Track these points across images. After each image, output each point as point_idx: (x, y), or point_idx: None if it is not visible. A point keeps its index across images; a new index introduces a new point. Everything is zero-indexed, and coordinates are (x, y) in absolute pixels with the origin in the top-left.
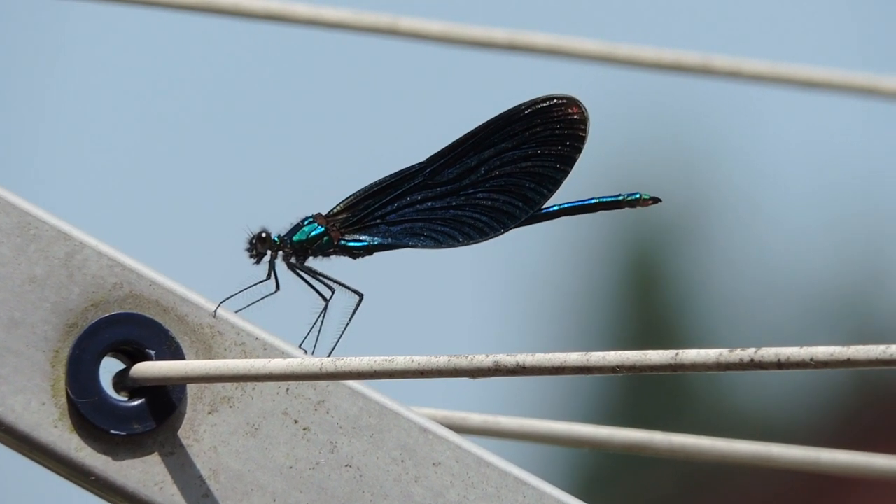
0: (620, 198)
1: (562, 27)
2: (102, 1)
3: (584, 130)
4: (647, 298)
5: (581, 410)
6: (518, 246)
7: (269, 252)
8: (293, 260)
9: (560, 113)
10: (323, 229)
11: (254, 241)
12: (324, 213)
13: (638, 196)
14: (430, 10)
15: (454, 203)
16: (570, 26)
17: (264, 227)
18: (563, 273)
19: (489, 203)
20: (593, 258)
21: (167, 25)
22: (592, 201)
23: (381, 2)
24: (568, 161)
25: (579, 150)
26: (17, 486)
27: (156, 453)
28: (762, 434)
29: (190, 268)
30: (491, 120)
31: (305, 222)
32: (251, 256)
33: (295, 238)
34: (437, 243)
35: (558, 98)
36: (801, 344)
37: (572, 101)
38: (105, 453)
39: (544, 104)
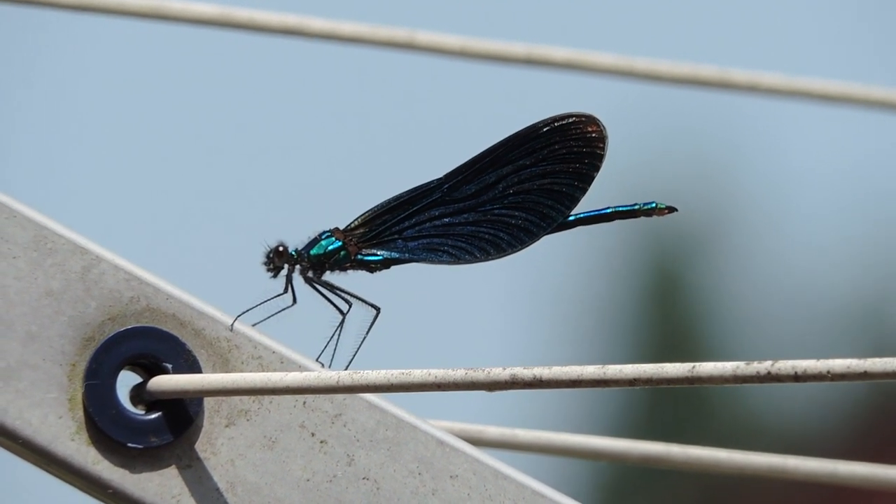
0: (636, 207)
1: (579, 41)
2: (126, 17)
3: (603, 148)
4: (666, 310)
5: (600, 423)
6: (536, 257)
7: (286, 266)
8: (310, 274)
9: (579, 131)
10: (340, 244)
11: (271, 255)
12: (341, 227)
13: (654, 205)
14: (448, 25)
15: (472, 219)
16: (588, 40)
17: (282, 241)
18: (581, 285)
19: (507, 220)
20: (612, 271)
21: (188, 40)
22: (608, 210)
23: (399, 16)
24: (586, 179)
25: (597, 168)
26: (34, 499)
27: (173, 466)
28: (782, 446)
29: (207, 282)
30: (509, 137)
31: (323, 236)
32: (268, 270)
33: (312, 252)
34: (455, 259)
35: (577, 116)
36: (818, 357)
37: (591, 119)
38: (122, 466)
39: (563, 122)
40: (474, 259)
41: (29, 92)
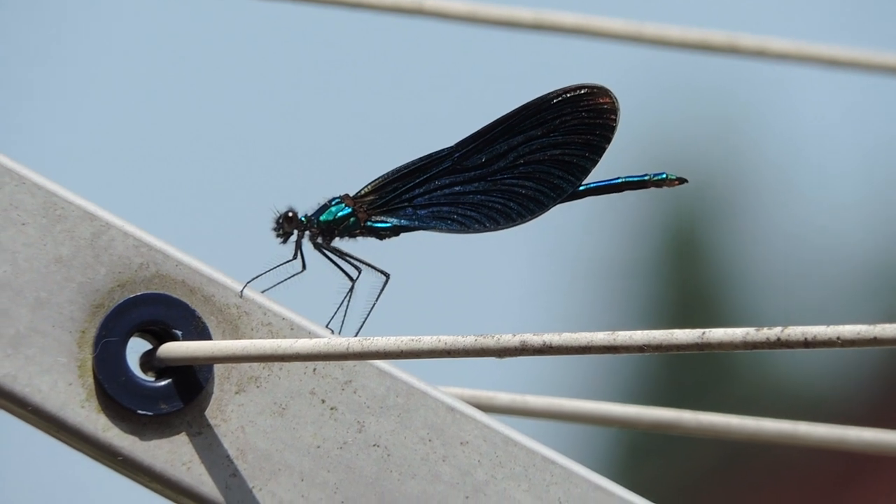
0: (646, 178)
1: (588, 7)
2: None
3: (615, 120)
4: (678, 276)
5: (612, 390)
6: (547, 223)
7: (295, 232)
8: (320, 240)
9: (591, 102)
10: (350, 210)
11: (281, 221)
12: (351, 194)
13: (664, 176)
14: None
15: (482, 188)
16: (596, 6)
17: (291, 207)
18: (592, 251)
19: (517, 189)
20: (624, 236)
21: (199, 4)
22: (619, 181)
23: None
24: (597, 150)
25: (609, 140)
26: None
27: (183, 433)
28: (798, 411)
29: (216, 248)
30: (521, 107)
31: (333, 203)
32: (278, 236)
33: (322, 218)
34: (464, 227)
35: (589, 87)
36: (827, 323)
37: (603, 91)
38: (132, 433)
39: (575, 93)
40: (484, 228)
41: (38, 57)
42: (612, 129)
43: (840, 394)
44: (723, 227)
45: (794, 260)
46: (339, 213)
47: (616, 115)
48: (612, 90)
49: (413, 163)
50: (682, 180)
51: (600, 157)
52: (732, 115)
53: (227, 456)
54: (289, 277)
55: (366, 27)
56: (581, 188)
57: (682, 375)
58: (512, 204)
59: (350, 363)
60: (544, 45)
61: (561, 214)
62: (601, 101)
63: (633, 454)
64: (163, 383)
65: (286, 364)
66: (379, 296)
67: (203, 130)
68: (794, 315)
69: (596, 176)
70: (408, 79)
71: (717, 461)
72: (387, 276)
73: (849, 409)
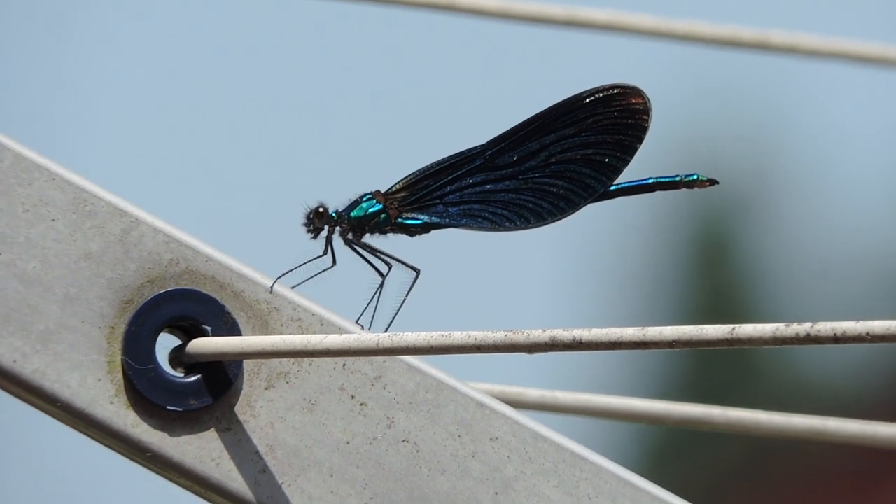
0: (678, 178)
1: (619, 3)
2: None
3: (647, 120)
4: (707, 274)
5: (641, 386)
6: (578, 220)
7: (326, 227)
8: (350, 236)
9: (623, 102)
10: (381, 206)
11: (311, 216)
12: (382, 190)
13: (696, 177)
14: None
15: (513, 187)
16: (628, 2)
17: (322, 203)
18: (622, 248)
19: (548, 188)
20: (654, 233)
21: (232, 1)
22: (650, 181)
23: None
24: (629, 150)
25: (641, 140)
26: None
27: (212, 429)
28: (826, 408)
29: (246, 243)
30: (553, 106)
31: (364, 199)
32: (308, 231)
33: (353, 214)
34: (495, 226)
35: (622, 87)
36: (857, 318)
37: (636, 91)
38: (161, 429)
39: (608, 92)
40: (514, 226)
41: (69, 55)
42: (645, 130)
43: (864, 392)
44: (751, 226)
45: (822, 258)
46: (371, 210)
47: (648, 115)
48: (644, 90)
49: (445, 160)
50: (713, 181)
51: (632, 157)
52: (761, 114)
53: (257, 452)
54: (319, 273)
55: (399, 23)
56: (612, 188)
57: (708, 375)
58: (543, 203)
59: (380, 359)
60: (576, 42)
61: (591, 212)
62: (633, 101)
63: (663, 451)
64: (192, 379)
65: (316, 360)
66: (409, 292)
67: (235, 126)
68: (822, 314)
69: (626, 175)
70: (440, 75)
71: (743, 460)
72: (417, 271)
73: (874, 408)
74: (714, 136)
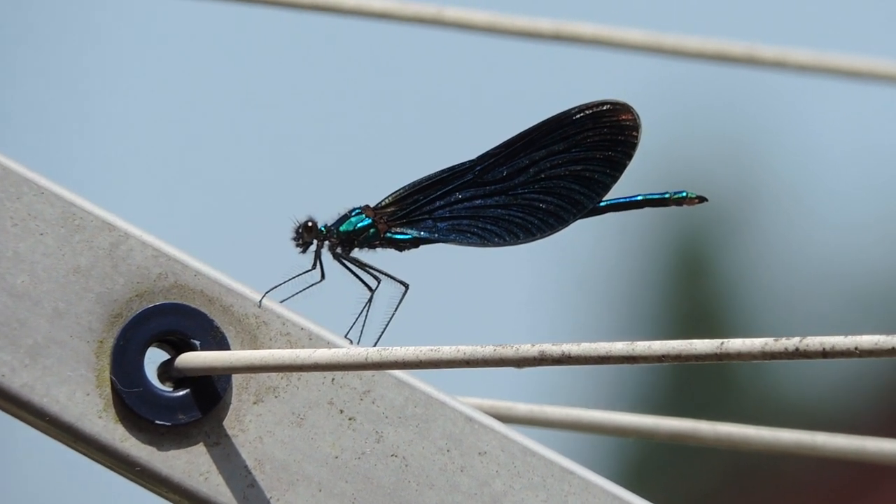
0: (667, 196)
1: (607, 17)
2: None
3: (636, 137)
4: (693, 290)
5: (628, 400)
6: (565, 236)
7: (315, 241)
8: (339, 250)
9: (613, 118)
10: (370, 221)
11: (300, 230)
12: (372, 205)
13: (684, 194)
14: (476, 0)
15: (502, 202)
16: (615, 16)
17: (311, 217)
18: (609, 263)
19: (537, 204)
20: (640, 248)
21: (217, 17)
22: (639, 198)
23: None
24: (618, 167)
25: (630, 157)
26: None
27: (201, 443)
28: (809, 424)
29: (235, 257)
30: (543, 122)
31: (353, 213)
32: (297, 245)
33: (342, 228)
34: (484, 241)
35: (611, 103)
36: (845, 333)
37: (625, 107)
38: (150, 444)
39: (597, 109)
40: (503, 242)
41: (56, 68)
42: (634, 146)
43: (847, 409)
44: (735, 243)
45: (807, 275)
46: (360, 224)
47: (638, 131)
48: (633, 107)
49: (434, 175)
50: (701, 199)
51: (621, 173)
52: (747, 130)
53: (245, 466)
54: (308, 287)
55: (386, 37)
56: (601, 204)
57: (692, 392)
58: (532, 218)
59: (368, 373)
60: (564, 56)
61: (580, 227)
62: (623, 117)
63: (649, 465)
64: (181, 393)
65: (304, 374)
66: (398, 306)
67: (223, 140)
68: (806, 330)
69: (615, 192)
70: (427, 89)
71: (727, 474)
72: (406, 286)
73: (858, 425)
74: (700, 151)
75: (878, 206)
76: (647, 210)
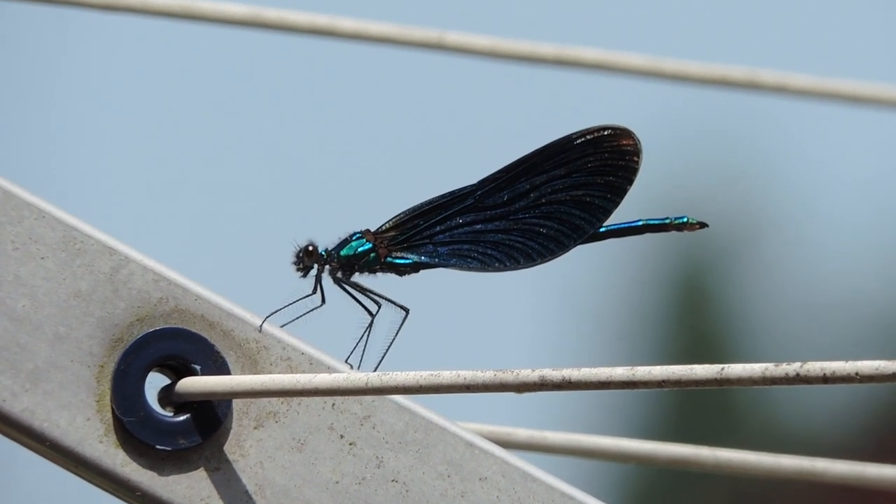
0: (667, 221)
1: (608, 42)
2: (156, 17)
3: (637, 162)
4: (696, 317)
5: (628, 426)
6: (566, 261)
7: (315, 266)
8: (339, 274)
9: (614, 143)
10: (371, 245)
11: (301, 255)
12: (372, 229)
13: (685, 220)
14: (477, 25)
15: (503, 227)
16: (617, 41)
17: (312, 241)
18: (610, 289)
19: (538, 229)
20: (642, 275)
21: (218, 40)
22: (639, 223)
23: (428, 16)
24: (619, 192)
25: (631, 182)
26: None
27: (202, 468)
28: (809, 450)
29: (236, 282)
30: (544, 147)
31: (353, 238)
32: (298, 270)
33: (342, 253)
34: (484, 266)
35: (612, 128)
36: (846, 358)
37: (626, 133)
38: (151, 469)
39: (598, 134)
40: (504, 267)
41: (57, 93)
42: (635, 171)
43: (850, 436)
44: (736, 270)
45: (807, 302)
46: (360, 249)
47: (639, 157)
48: (634, 132)
49: (435, 200)
50: (702, 224)
51: (622, 198)
52: (748, 156)
53: (246, 491)
54: (308, 312)
55: (388, 62)
56: (602, 229)
57: (695, 420)
58: (532, 244)
59: (369, 398)
60: (565, 80)
61: (581, 253)
62: (624, 142)
63: (651, 490)
64: (181, 418)
65: (305, 399)
66: (398, 331)
67: (225, 164)
68: (807, 357)
69: (616, 217)
70: (429, 113)
71: (731, 501)
72: (406, 311)
73: (856, 451)
74: (701, 176)
75: (881, 233)
76: (649, 237)
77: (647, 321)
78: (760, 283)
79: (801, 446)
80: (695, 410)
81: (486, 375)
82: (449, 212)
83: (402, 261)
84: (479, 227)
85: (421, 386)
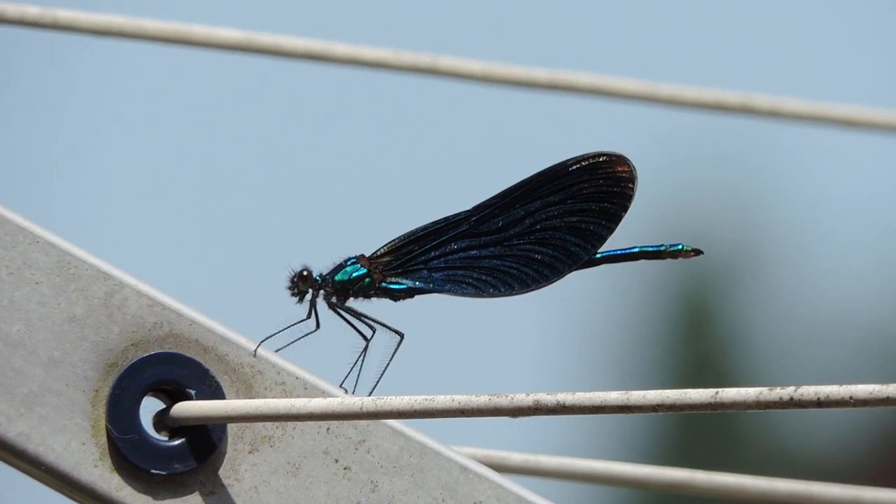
0: (662, 248)
1: (603, 67)
2: (150, 42)
3: (632, 189)
4: (694, 341)
5: (627, 448)
6: (561, 285)
7: (310, 291)
8: (334, 299)
9: (609, 170)
10: (365, 271)
11: (295, 280)
12: (367, 254)
13: (680, 247)
14: (471, 49)
15: (497, 253)
16: (611, 66)
17: (306, 266)
18: (609, 312)
19: (532, 255)
20: (637, 299)
21: (211, 65)
22: (635, 250)
23: (422, 41)
24: (614, 218)
25: (626, 209)
26: None
27: (196, 493)
28: (812, 472)
29: (230, 307)
30: (539, 173)
31: (348, 263)
32: (292, 295)
33: (337, 278)
34: (479, 292)
35: (608, 155)
36: (840, 382)
37: (621, 159)
38: (146, 493)
39: (594, 160)
40: (498, 293)
41: (50, 118)
42: (630, 198)
43: (844, 460)
44: (734, 293)
45: (806, 325)
46: (355, 274)
47: (634, 183)
48: (629, 158)
49: (429, 225)
50: (697, 252)
51: (617, 224)
52: (745, 179)
53: None
54: (303, 336)
55: (381, 86)
56: (597, 256)
57: (693, 445)
58: (527, 269)
59: (364, 422)
60: (560, 106)
61: (577, 277)
62: (619, 169)
63: None
64: (176, 443)
65: (300, 423)
66: (393, 355)
67: (218, 189)
68: (805, 380)
69: (611, 243)
70: (423, 138)
71: None
72: (401, 335)
73: (859, 475)
74: (699, 201)
75: (881, 253)
76: (647, 261)
77: (647, 343)
78: (760, 305)
79: (805, 468)
80: (696, 432)
81: (481, 400)
82: (444, 237)
83: (396, 286)
84: (473, 252)
85: (416, 410)
